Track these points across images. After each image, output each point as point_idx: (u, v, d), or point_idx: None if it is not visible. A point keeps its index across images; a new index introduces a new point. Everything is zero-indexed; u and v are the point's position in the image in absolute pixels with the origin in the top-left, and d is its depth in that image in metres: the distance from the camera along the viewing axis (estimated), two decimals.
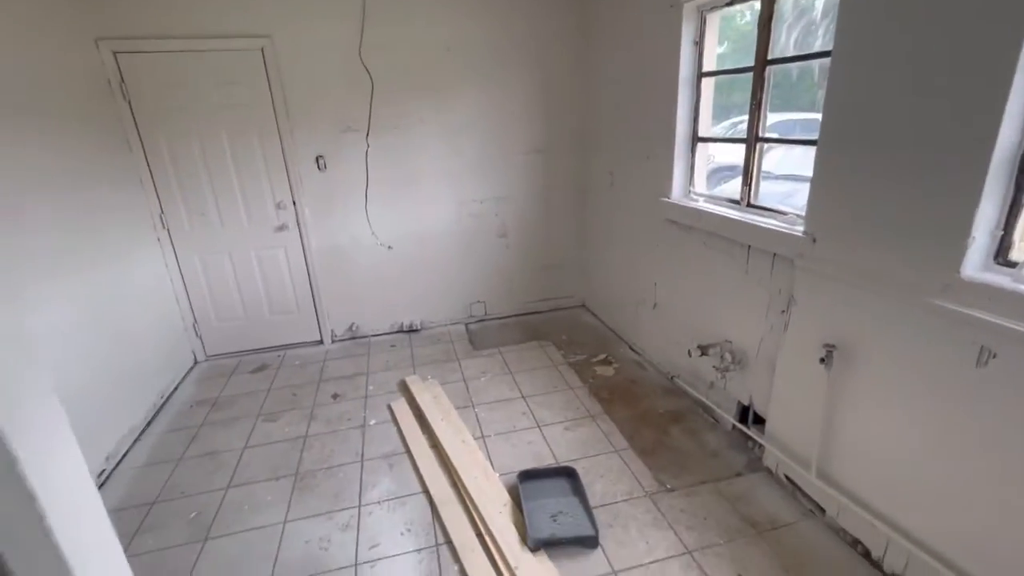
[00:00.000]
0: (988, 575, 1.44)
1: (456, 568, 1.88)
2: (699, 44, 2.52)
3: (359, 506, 2.21)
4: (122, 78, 2.98)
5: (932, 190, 1.45)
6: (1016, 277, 1.33)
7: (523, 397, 3.00)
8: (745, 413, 2.45)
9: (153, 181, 3.20)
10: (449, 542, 1.99)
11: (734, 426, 2.50)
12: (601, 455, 2.45)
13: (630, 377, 3.17)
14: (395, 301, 3.87)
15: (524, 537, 1.93)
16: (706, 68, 2.54)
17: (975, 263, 1.39)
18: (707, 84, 2.58)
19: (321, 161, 3.41)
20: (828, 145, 1.77)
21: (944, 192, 1.42)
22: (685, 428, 2.63)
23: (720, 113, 2.77)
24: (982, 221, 1.36)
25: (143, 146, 3.12)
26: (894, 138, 1.54)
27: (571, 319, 4.09)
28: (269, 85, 3.19)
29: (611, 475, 2.32)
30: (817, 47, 2.16)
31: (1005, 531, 1.38)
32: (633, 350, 3.47)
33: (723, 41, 2.59)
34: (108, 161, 2.87)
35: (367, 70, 3.27)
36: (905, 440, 1.63)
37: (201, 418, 2.94)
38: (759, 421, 2.35)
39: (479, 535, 1.99)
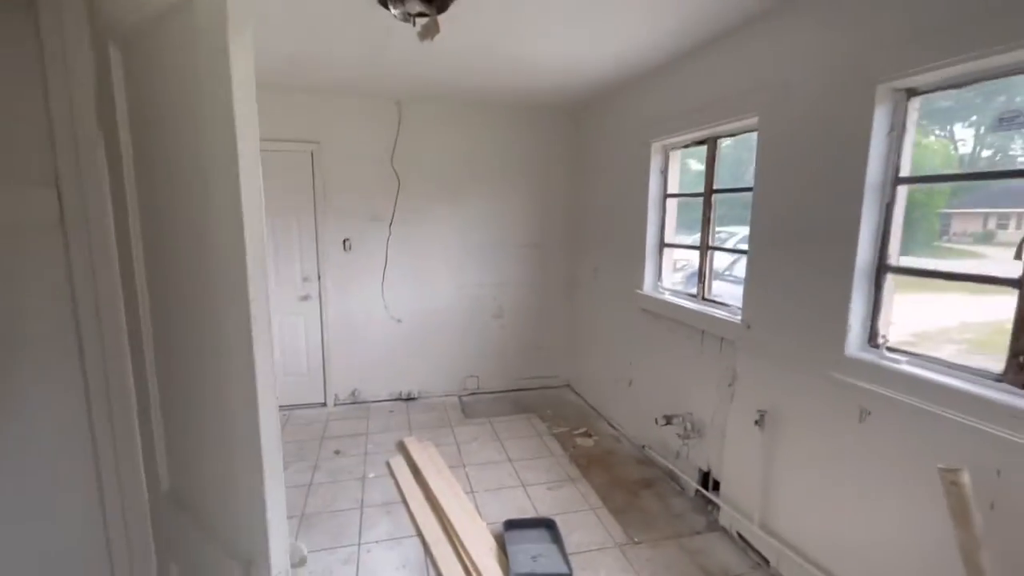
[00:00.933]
0: None
1: None
2: (664, 173, 3.21)
3: (359, 544, 2.46)
4: None
5: (822, 291, 1.98)
6: (880, 355, 1.81)
7: (510, 460, 3.30)
8: (706, 479, 2.78)
9: None
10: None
11: (697, 491, 2.81)
12: (578, 512, 2.74)
13: (607, 448, 3.49)
14: (397, 370, 4.24)
15: (507, 574, 2.19)
16: (670, 191, 3.21)
17: (854, 345, 1.88)
18: (671, 202, 3.24)
19: (347, 243, 3.98)
20: (754, 254, 2.34)
21: (829, 292, 1.95)
22: (654, 493, 2.93)
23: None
24: (855, 314, 1.88)
25: None
26: (796, 251, 2.10)
27: (556, 397, 4.46)
28: (313, 179, 3.84)
29: (586, 528, 2.59)
30: None
31: (892, 556, 1.73)
32: (611, 425, 3.82)
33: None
34: None
35: (396, 173, 3.96)
36: (815, 486, 2.01)
37: None
38: (717, 487, 2.68)
39: (467, 572, 2.24)
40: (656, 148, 3.17)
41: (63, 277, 1.22)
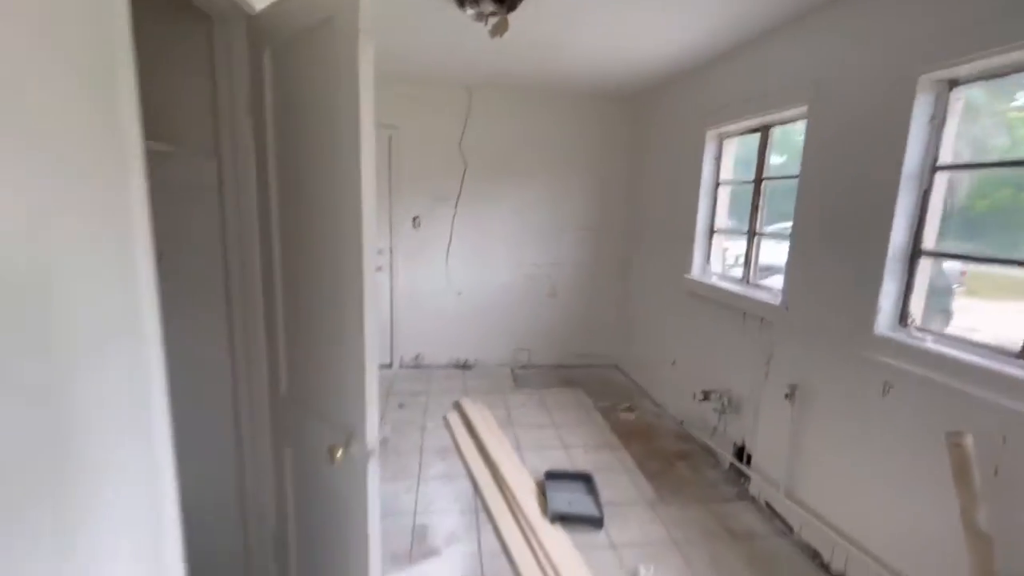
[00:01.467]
0: (905, 566, 1.88)
1: (491, 526, 2.44)
2: (718, 160, 3.32)
3: (418, 479, 2.83)
4: None
5: (857, 273, 2.08)
6: (908, 334, 1.91)
7: (554, 426, 3.58)
8: (740, 453, 2.92)
9: None
10: (487, 509, 2.56)
11: (731, 464, 2.96)
12: (614, 473, 2.97)
13: (648, 423, 3.69)
14: (455, 339, 4.62)
15: (545, 512, 2.47)
16: (722, 178, 3.32)
17: (884, 324, 1.99)
18: (724, 190, 3.34)
19: (416, 220, 4.37)
20: (796, 239, 2.45)
21: (863, 275, 2.05)
22: (689, 464, 3.11)
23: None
24: (887, 295, 1.98)
25: None
26: (835, 235, 2.21)
27: (603, 375, 4.67)
28: (389, 161, 4.25)
29: (620, 487, 2.83)
30: None
31: (906, 521, 1.85)
32: (654, 403, 4.00)
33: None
34: None
35: (464, 156, 4.29)
36: (838, 455, 2.13)
37: None
38: (750, 462, 2.82)
39: (510, 508, 2.55)
40: (710, 136, 3.29)
41: (217, 226, 1.61)
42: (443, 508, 2.58)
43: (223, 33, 1.46)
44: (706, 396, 3.07)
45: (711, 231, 3.40)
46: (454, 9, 2.44)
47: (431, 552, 2.28)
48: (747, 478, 2.80)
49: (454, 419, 3.56)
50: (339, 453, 1.24)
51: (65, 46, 0.73)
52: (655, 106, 4.09)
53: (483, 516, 2.53)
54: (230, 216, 1.59)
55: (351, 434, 1.27)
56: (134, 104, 0.87)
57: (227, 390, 1.75)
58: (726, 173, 3.32)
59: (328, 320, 1.33)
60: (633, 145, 4.46)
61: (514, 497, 2.59)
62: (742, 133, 3.14)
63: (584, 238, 4.62)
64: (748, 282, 3.00)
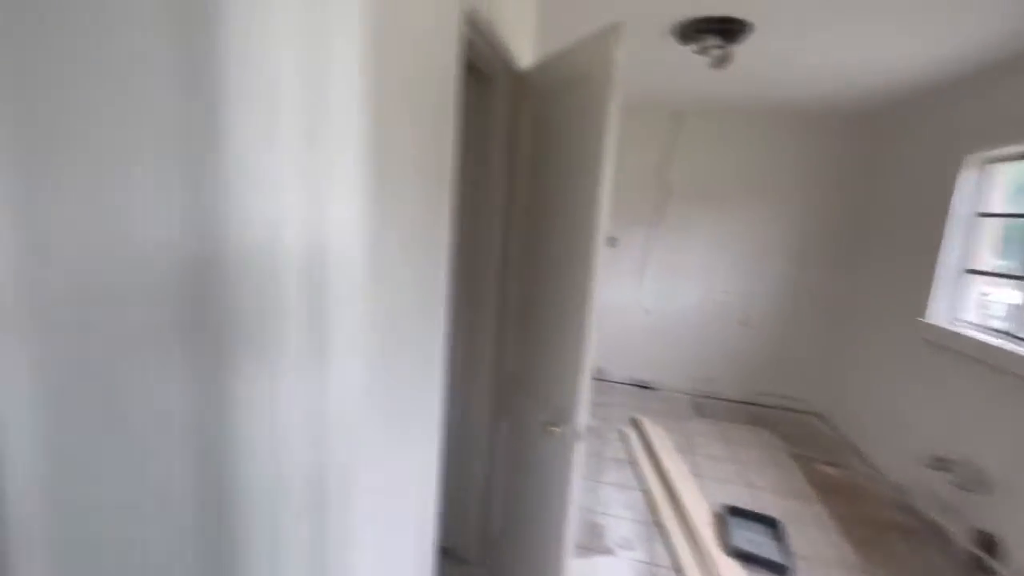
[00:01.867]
0: None
1: (663, 541, 2.49)
2: (979, 189, 2.80)
3: (596, 482, 3.01)
4: None
5: None
6: None
7: (736, 462, 3.40)
8: (985, 542, 2.41)
9: None
10: (660, 525, 2.60)
11: (969, 552, 2.46)
12: (805, 525, 2.72)
13: (855, 482, 3.24)
14: (638, 357, 4.69)
15: (722, 545, 2.42)
16: (985, 210, 2.79)
17: None
18: (987, 224, 2.80)
19: (613, 240, 4.59)
20: None
21: None
22: (906, 539, 2.66)
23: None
24: None
25: None
26: None
27: (801, 420, 4.21)
28: None
29: (812, 542, 2.58)
30: None
31: None
32: (865, 462, 3.48)
33: None
34: None
35: (665, 182, 4.38)
36: None
37: None
38: (998, 554, 2.31)
39: (685, 531, 2.55)
40: (970, 161, 2.79)
41: (469, 239, 2.04)
42: (617, 513, 2.71)
43: (495, 87, 1.87)
44: (940, 464, 2.60)
45: (965, 271, 2.87)
46: (675, 45, 2.60)
47: (605, 550, 2.43)
48: (994, 574, 2.30)
49: (631, 434, 3.65)
50: (553, 430, 1.49)
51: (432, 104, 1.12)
52: (886, 127, 3.61)
53: (655, 530, 2.58)
54: (482, 230, 2.01)
55: (563, 416, 1.52)
56: (453, 147, 1.25)
57: (459, 368, 2.17)
58: (992, 204, 2.78)
59: (557, 322, 1.61)
60: (852, 170, 3.97)
61: (691, 521, 2.58)
62: (1018, 158, 2.60)
63: (785, 268, 4.27)
64: (1016, 336, 2.47)
